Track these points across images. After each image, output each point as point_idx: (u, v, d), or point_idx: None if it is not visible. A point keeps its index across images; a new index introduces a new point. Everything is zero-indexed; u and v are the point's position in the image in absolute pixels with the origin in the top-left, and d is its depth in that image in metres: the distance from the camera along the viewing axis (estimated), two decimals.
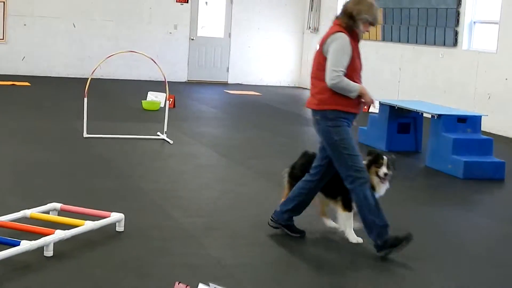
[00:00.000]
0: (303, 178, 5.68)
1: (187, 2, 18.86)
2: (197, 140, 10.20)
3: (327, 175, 5.57)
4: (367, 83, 17.68)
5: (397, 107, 10.29)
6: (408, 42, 15.42)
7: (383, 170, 5.51)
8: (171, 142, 9.75)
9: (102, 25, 18.52)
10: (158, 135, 10.10)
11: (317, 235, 5.96)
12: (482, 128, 9.73)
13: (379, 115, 10.58)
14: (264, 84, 19.74)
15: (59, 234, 4.87)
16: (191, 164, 8.58)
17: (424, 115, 10.26)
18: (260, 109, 14.55)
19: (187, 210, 6.46)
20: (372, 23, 5.39)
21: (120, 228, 5.55)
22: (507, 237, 6.40)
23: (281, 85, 19.90)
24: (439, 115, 9.31)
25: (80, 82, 14.58)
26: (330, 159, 5.46)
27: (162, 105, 12.74)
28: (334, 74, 5.14)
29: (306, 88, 19.29)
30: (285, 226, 5.69)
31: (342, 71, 5.17)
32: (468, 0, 13.70)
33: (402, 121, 10.39)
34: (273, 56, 19.92)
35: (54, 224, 5.29)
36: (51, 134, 10.00)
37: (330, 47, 5.23)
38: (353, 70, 5.32)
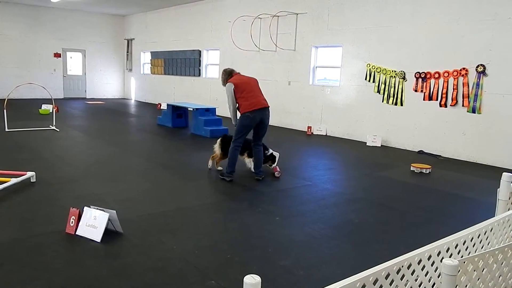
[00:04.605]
0: (234, 148, 5.12)
1: (60, 56, 16.49)
2: (73, 128, 8.94)
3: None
4: (163, 93, 16.76)
5: (175, 106, 9.88)
6: (177, 74, 14.88)
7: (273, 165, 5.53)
8: (58, 130, 8.51)
9: (13, 69, 15.52)
10: (50, 127, 8.75)
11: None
12: None
13: (167, 110, 10.09)
14: (105, 97, 18.06)
15: None
16: (71, 141, 7.50)
17: (189, 109, 9.93)
18: (104, 110, 13.10)
19: (73, 166, 5.62)
20: None
21: (33, 180, 4.70)
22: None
23: (114, 97, 18.29)
24: (197, 108, 9.12)
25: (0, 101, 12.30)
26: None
27: (50, 111, 11.01)
28: None
29: (128, 99, 18.12)
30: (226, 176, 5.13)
31: None
32: (203, 56, 13.55)
33: (178, 112, 10.01)
34: (110, 82, 18.20)
35: None
36: None
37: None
38: None
